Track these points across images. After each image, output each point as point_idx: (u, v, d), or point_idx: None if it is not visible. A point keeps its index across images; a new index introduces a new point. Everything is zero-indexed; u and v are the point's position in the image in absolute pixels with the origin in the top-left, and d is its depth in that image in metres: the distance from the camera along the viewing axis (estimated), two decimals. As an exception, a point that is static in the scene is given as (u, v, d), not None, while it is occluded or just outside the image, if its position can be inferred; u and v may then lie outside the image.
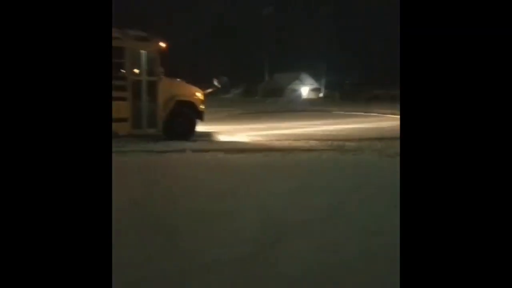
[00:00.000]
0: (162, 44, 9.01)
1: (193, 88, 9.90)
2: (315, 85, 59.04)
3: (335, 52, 52.36)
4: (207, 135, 10.33)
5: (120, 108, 8.40)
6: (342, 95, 48.97)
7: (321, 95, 55.72)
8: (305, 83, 58.77)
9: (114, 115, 8.22)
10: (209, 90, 10.86)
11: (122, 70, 8.64)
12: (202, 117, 9.78)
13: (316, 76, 58.37)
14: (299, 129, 12.43)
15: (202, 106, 9.73)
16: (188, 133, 9.43)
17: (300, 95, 55.22)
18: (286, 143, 9.12)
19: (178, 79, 10.27)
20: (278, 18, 56.54)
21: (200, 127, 10.04)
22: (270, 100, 41.07)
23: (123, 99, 8.50)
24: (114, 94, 8.49)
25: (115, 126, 8.48)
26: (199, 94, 9.80)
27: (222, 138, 10.34)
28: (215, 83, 10.52)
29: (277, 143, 9.19)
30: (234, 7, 55.67)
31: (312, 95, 56.14)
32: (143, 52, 8.77)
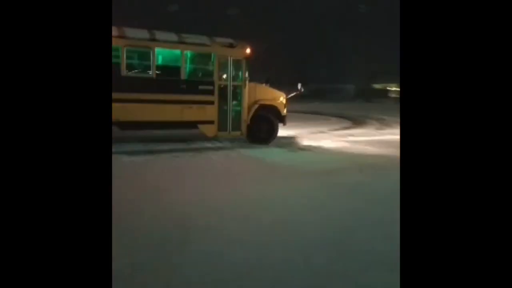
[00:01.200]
0: (247, 50, 9.31)
1: (277, 92, 10.03)
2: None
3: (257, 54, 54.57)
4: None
5: (208, 111, 8.84)
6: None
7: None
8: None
9: (203, 117, 8.82)
10: (292, 94, 10.89)
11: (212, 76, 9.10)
12: (285, 121, 9.91)
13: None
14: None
15: (284, 111, 9.86)
16: (270, 137, 9.61)
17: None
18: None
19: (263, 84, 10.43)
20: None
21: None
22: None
23: (211, 102, 8.89)
24: (203, 98, 9.03)
25: (203, 128, 8.97)
26: (282, 99, 9.92)
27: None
28: (299, 87, 10.49)
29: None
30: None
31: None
32: (230, 57, 9.17)
